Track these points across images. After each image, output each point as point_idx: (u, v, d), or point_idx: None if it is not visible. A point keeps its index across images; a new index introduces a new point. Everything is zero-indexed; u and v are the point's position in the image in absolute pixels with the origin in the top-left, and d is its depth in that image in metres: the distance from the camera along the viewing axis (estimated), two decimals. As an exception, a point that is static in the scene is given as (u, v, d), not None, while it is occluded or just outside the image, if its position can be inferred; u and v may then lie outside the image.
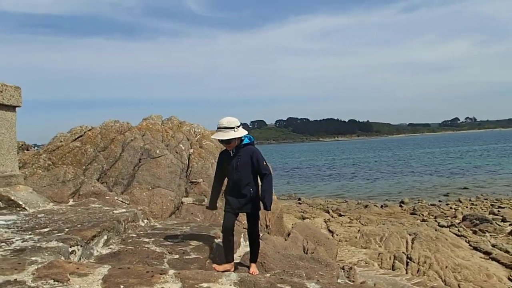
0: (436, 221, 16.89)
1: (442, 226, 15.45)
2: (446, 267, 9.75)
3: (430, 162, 51.67)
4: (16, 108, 5.65)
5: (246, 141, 3.98)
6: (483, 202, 21.26)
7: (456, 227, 15.15)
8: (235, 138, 3.87)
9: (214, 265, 3.87)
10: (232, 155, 3.97)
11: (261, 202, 3.85)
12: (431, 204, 21.32)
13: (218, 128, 3.89)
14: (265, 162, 3.91)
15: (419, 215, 18.46)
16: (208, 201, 4.32)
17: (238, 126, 3.88)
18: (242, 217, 7.35)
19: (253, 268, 4.03)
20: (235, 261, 4.34)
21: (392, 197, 24.70)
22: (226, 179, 4.10)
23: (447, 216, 17.90)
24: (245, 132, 3.95)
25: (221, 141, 3.96)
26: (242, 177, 3.87)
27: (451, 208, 20.12)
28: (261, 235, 4.40)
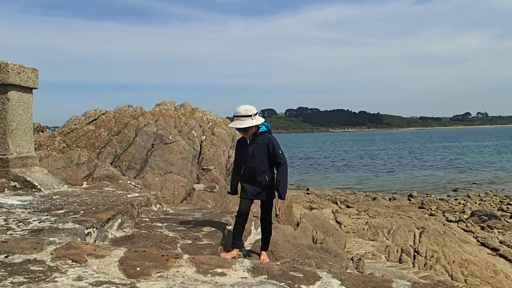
0: (444, 215, 16.82)
1: (450, 221, 15.40)
2: (453, 262, 9.75)
3: (440, 156, 51.30)
4: (33, 90, 5.72)
5: (263, 128, 4.01)
6: (492, 198, 21.11)
7: (464, 222, 15.09)
8: (253, 126, 3.91)
9: (222, 254, 3.90)
10: (248, 142, 4.00)
11: (275, 191, 3.90)
12: (440, 199, 21.23)
13: (235, 116, 3.94)
14: (281, 151, 3.94)
15: (427, 209, 18.40)
16: (229, 187, 4.39)
17: (255, 114, 3.93)
18: (253, 205, 7.41)
19: (264, 256, 4.08)
20: (246, 248, 4.40)
21: (401, 191, 24.62)
22: None
23: (456, 211, 17.82)
24: (262, 120, 3.99)
25: (239, 129, 4.00)
26: (258, 164, 3.91)
27: (459, 203, 20.01)
28: (272, 223, 4.36)
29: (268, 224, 4.15)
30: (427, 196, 21.96)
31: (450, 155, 52.55)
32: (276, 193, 3.96)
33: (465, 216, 16.33)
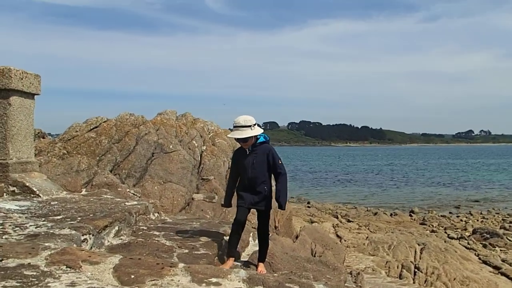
0: (445, 232, 16.69)
1: (452, 238, 15.28)
2: (454, 279, 9.64)
3: (442, 173, 51.12)
4: (35, 96, 5.74)
5: (261, 139, 4.02)
6: (494, 216, 20.96)
7: (466, 239, 14.96)
8: (252, 137, 3.92)
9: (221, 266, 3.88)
10: (248, 153, 4.00)
11: (276, 201, 3.87)
12: (442, 215, 21.09)
13: (234, 126, 3.93)
14: (281, 161, 3.95)
15: (429, 226, 18.27)
16: (224, 199, 4.33)
17: (254, 125, 3.93)
18: (252, 216, 7.36)
19: (261, 268, 4.02)
20: (243, 260, 4.35)
21: (402, 206, 24.48)
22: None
23: (457, 228, 17.68)
24: (261, 131, 3.99)
25: (238, 140, 4.00)
26: (258, 174, 3.91)
27: (461, 220, 19.87)
28: (270, 234, 4.35)
29: (266, 235, 4.13)
30: (428, 213, 21.82)
31: (453, 172, 52.36)
32: (276, 204, 3.93)
33: (467, 234, 16.20)
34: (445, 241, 13.94)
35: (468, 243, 14.24)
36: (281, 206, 3.86)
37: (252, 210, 4.14)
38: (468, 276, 9.91)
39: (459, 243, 14.13)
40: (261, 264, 4.07)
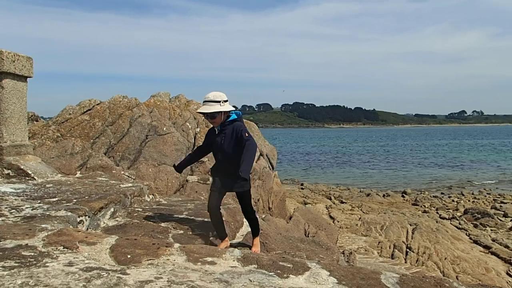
0: (437, 213, 16.95)
1: (443, 218, 15.52)
2: (445, 258, 9.84)
3: (435, 154, 51.54)
4: (28, 79, 5.70)
5: (233, 117, 3.78)
6: (485, 196, 21.27)
7: (457, 220, 15.21)
8: (220, 113, 3.70)
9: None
10: (217, 132, 3.82)
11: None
12: (433, 196, 21.36)
13: (203, 102, 3.74)
14: (248, 134, 3.67)
15: (421, 206, 18.53)
16: (179, 162, 4.29)
17: (225, 101, 3.72)
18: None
19: (255, 247, 4.04)
20: (237, 240, 4.42)
21: (395, 187, 24.75)
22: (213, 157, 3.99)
23: (449, 209, 17.95)
24: (232, 108, 3.77)
25: (206, 116, 3.79)
26: (229, 155, 3.71)
27: (453, 201, 20.15)
28: (257, 212, 4.28)
29: (251, 214, 4.00)
30: (421, 193, 22.09)
31: (446, 153, 52.80)
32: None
33: (458, 214, 16.46)
34: (436, 222, 14.16)
35: (459, 223, 14.48)
36: (241, 172, 3.45)
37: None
38: (459, 255, 10.12)
39: (451, 223, 14.37)
40: (256, 240, 4.08)
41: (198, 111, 3.82)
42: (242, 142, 3.61)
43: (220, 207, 3.99)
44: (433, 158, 45.52)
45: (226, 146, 3.71)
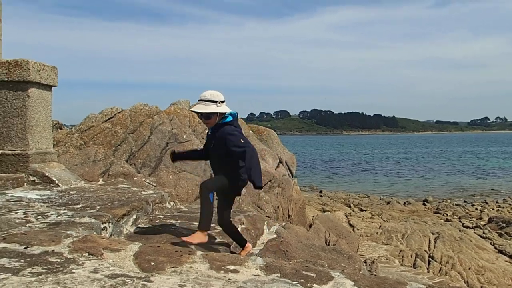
0: (460, 221, 16.59)
1: (467, 227, 15.17)
2: (469, 268, 9.61)
3: (457, 161, 50.61)
4: (52, 88, 5.83)
5: (228, 119, 3.53)
6: (511, 205, 20.74)
7: (481, 229, 14.86)
8: (216, 114, 3.46)
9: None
10: (209, 134, 3.67)
11: (250, 181, 3.45)
12: (456, 204, 20.93)
13: (199, 100, 3.50)
14: (242, 140, 3.41)
15: (443, 215, 18.16)
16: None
17: (222, 102, 3.48)
18: (265, 205, 7.43)
19: (191, 238, 3.58)
20: (258, 248, 4.40)
21: (416, 195, 24.36)
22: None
23: (472, 217, 17.55)
24: (228, 110, 3.52)
25: (200, 116, 3.56)
26: (216, 159, 3.57)
27: (476, 209, 19.71)
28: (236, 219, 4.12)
29: (226, 228, 3.79)
30: (443, 201, 21.68)
31: (468, 160, 51.79)
32: (251, 184, 3.47)
33: (482, 223, 16.07)
34: (459, 230, 13.85)
35: (484, 232, 14.14)
36: (255, 184, 3.36)
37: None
38: (484, 265, 9.88)
39: (474, 232, 14.04)
40: (198, 233, 3.60)
41: (193, 109, 3.58)
42: (233, 150, 3.38)
43: (239, 215, 3.98)
44: (456, 165, 44.69)
45: (216, 150, 3.52)
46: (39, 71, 5.36)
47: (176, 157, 3.93)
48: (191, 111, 3.79)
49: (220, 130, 3.47)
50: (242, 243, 3.86)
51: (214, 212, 3.72)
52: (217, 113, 3.45)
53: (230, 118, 3.51)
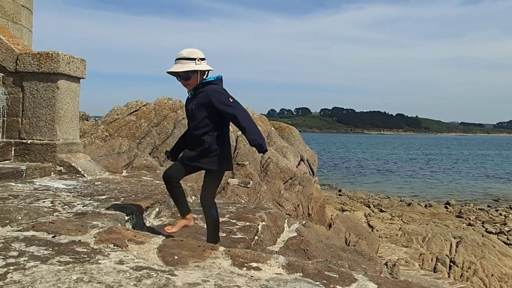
0: (483, 226, 16.26)
1: (490, 233, 14.87)
2: (492, 275, 9.42)
3: (481, 164, 49.52)
4: (80, 80, 5.94)
5: (210, 79, 3.13)
6: (536, 211, 20.23)
7: (505, 234, 14.55)
8: (196, 73, 3.06)
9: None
10: (190, 97, 3.18)
11: (251, 144, 2.96)
12: (479, 209, 20.51)
13: (176, 60, 3.11)
14: (231, 99, 3.03)
15: (465, 219, 17.83)
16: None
17: (202, 59, 3.09)
18: (285, 203, 7.42)
19: (172, 227, 3.30)
20: (278, 245, 4.41)
21: (438, 198, 23.95)
22: None
23: (496, 223, 17.18)
24: (209, 67, 3.13)
25: (179, 78, 3.13)
26: (197, 124, 3.06)
27: (500, 214, 19.28)
28: (215, 210, 3.44)
29: (208, 209, 3.32)
30: (465, 205, 21.27)
31: (493, 164, 50.60)
32: (255, 148, 2.97)
33: (506, 228, 15.72)
34: (482, 236, 13.59)
35: (508, 239, 13.84)
36: (261, 146, 2.86)
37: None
38: (507, 272, 9.67)
39: (498, 238, 13.75)
40: (182, 221, 3.35)
41: (169, 70, 3.11)
42: (225, 107, 2.97)
43: (260, 211, 3.94)
44: (480, 168, 43.74)
45: (198, 113, 3.05)
46: (69, 63, 5.47)
47: (173, 154, 3.42)
48: (168, 72, 3.11)
49: (205, 90, 3.06)
50: (182, 210, 3.37)
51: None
52: (197, 71, 3.05)
53: (212, 78, 3.12)
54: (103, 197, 4.23)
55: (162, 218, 4.39)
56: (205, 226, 4.17)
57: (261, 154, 8.49)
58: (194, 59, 3.04)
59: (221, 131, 3.11)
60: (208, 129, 3.04)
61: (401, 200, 22.08)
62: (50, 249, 2.50)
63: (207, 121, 3.04)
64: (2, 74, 5.49)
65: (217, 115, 3.03)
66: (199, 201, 5.59)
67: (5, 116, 5.52)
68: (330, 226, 7.38)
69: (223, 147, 3.11)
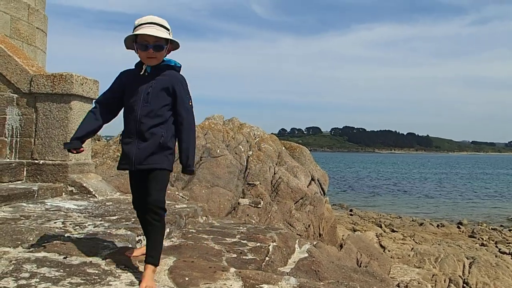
0: (496, 246, 15.92)
1: (503, 253, 14.54)
2: (507, 296, 9.19)
3: (494, 183, 48.83)
4: (93, 101, 6.03)
5: (171, 62, 2.64)
6: (551, 231, 19.79)
7: (519, 255, 14.22)
8: (166, 48, 2.56)
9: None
10: (146, 74, 2.58)
11: (180, 161, 2.59)
12: (492, 228, 20.12)
13: (148, 23, 2.52)
14: (191, 102, 2.62)
15: (478, 239, 17.48)
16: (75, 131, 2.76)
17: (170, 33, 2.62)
18: (296, 223, 7.35)
19: (148, 272, 2.43)
20: (290, 267, 4.36)
21: (450, 217, 23.59)
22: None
23: (509, 243, 16.82)
24: (178, 41, 2.65)
25: (146, 47, 2.51)
26: (151, 111, 2.52)
27: (514, 234, 18.89)
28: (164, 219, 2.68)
29: (156, 216, 2.55)
30: (478, 225, 20.90)
31: (506, 183, 49.88)
32: (181, 166, 2.60)
33: (521, 249, 15.39)
34: (496, 256, 13.29)
35: (522, 259, 13.52)
36: (188, 168, 2.57)
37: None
38: (522, 294, 9.42)
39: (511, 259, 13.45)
40: (148, 270, 2.45)
41: (145, 32, 2.47)
42: (180, 107, 2.55)
43: (270, 232, 3.89)
44: (492, 188, 43.12)
45: (154, 98, 2.52)
46: (82, 84, 5.56)
47: (75, 139, 2.68)
48: (143, 33, 2.47)
49: (169, 73, 2.60)
50: (155, 253, 2.54)
51: None
52: (167, 46, 2.57)
53: (174, 62, 2.65)
54: (114, 217, 4.24)
55: (172, 239, 4.37)
56: (216, 248, 4.16)
57: (273, 174, 8.49)
58: (168, 30, 2.59)
59: (172, 125, 2.58)
60: (163, 120, 2.53)
61: (413, 220, 21.77)
62: (62, 270, 2.51)
63: (164, 110, 2.54)
64: (16, 95, 5.60)
65: (170, 106, 2.56)
66: (209, 221, 5.59)
67: (18, 136, 5.61)
68: (341, 246, 7.30)
69: (174, 145, 2.60)
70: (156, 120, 2.52)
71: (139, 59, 2.64)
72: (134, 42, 2.56)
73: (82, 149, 2.72)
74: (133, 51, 2.61)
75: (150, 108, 2.52)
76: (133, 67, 2.68)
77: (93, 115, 2.69)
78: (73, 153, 2.79)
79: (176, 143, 2.61)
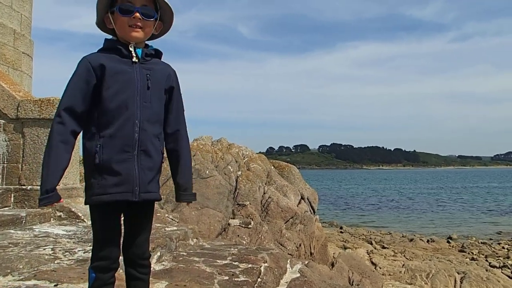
0: (486, 260, 16.00)
1: (494, 267, 14.62)
2: (498, 311, 9.21)
3: (481, 197, 49.33)
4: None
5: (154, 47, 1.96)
6: (539, 244, 19.98)
7: (509, 268, 14.29)
8: (155, 21, 1.87)
9: None
10: (130, 58, 1.82)
11: (177, 185, 2.04)
12: (482, 242, 20.25)
13: None
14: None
15: (468, 253, 17.57)
16: (42, 180, 1.81)
17: None
18: (287, 243, 7.33)
19: None
20: (282, 287, 4.35)
21: (440, 232, 23.71)
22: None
23: (499, 256, 16.93)
24: (171, 10, 1.92)
25: (136, 12, 1.77)
26: (155, 114, 1.87)
27: (503, 247, 19.01)
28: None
29: (147, 270, 2.11)
30: (468, 239, 21.02)
31: (493, 196, 50.43)
32: (180, 193, 2.04)
33: (510, 262, 15.48)
34: (486, 270, 13.35)
35: (512, 272, 13.61)
36: (189, 192, 2.05)
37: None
38: (514, 307, 9.46)
39: (502, 272, 13.50)
40: None
41: None
42: (180, 115, 1.96)
43: (262, 253, 3.88)
44: (480, 201, 43.55)
45: (154, 95, 1.85)
46: (70, 109, 5.56)
47: (46, 188, 1.81)
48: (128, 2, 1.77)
49: (159, 62, 1.93)
50: None
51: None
52: (157, 17, 1.88)
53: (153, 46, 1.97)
54: (104, 242, 4.20)
55: (164, 263, 4.34)
56: (207, 270, 4.13)
57: (262, 193, 8.49)
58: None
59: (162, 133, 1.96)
60: (161, 128, 1.92)
61: (403, 236, 21.82)
62: (53, 298, 2.48)
63: (162, 114, 1.91)
64: (3, 121, 5.57)
65: (168, 109, 1.94)
66: (200, 243, 5.56)
67: (5, 162, 5.56)
68: (332, 265, 7.29)
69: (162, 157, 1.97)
70: (156, 127, 1.87)
71: (109, 37, 1.88)
72: (110, 7, 1.81)
73: (62, 200, 1.90)
74: (102, 31, 1.89)
75: (152, 109, 1.83)
76: (99, 51, 1.83)
77: (61, 138, 1.82)
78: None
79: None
